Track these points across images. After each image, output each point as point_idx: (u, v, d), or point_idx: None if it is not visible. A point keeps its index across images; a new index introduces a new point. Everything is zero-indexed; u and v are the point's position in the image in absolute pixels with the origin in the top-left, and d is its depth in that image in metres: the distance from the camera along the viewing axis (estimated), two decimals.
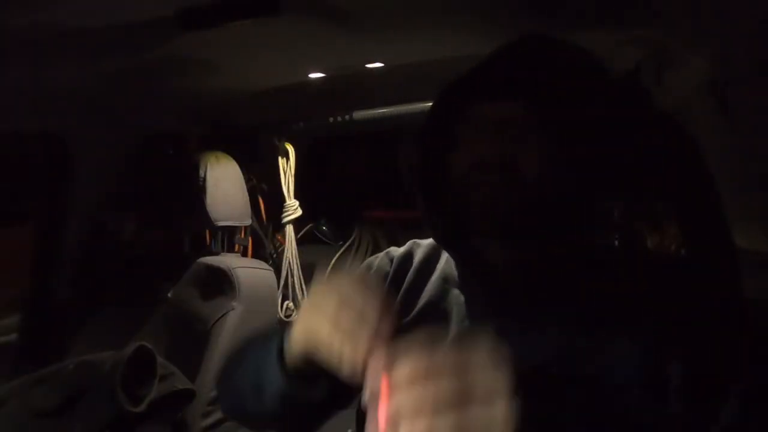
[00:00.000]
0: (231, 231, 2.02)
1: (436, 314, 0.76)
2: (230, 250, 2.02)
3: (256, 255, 2.14)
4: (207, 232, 2.06)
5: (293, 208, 2.09)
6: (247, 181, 2.00)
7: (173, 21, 0.99)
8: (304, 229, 2.29)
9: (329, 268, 2.06)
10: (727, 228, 0.95)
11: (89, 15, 0.95)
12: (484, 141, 0.70)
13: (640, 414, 0.59)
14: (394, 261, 0.87)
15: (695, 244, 0.98)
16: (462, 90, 0.75)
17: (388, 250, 0.90)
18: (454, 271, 0.79)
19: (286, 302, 2.07)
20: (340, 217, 2.38)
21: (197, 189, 1.84)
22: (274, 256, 2.22)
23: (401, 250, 0.88)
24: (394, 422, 0.46)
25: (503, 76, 0.71)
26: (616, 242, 0.74)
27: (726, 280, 0.87)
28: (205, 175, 1.85)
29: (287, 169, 2.09)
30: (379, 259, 0.90)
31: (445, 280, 0.79)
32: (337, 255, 2.20)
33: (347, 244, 2.24)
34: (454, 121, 0.75)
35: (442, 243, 0.80)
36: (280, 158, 2.10)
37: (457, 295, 0.76)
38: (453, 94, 0.76)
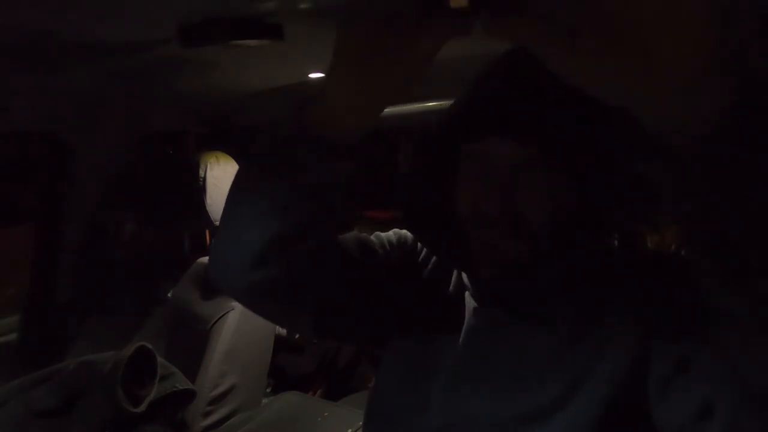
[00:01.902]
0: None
1: (455, 307, 0.75)
2: None
3: None
4: (207, 232, 2.06)
5: None
6: None
7: (174, 37, 0.98)
8: None
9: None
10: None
11: (90, 21, 0.95)
12: (484, 186, 0.66)
13: (628, 413, 0.59)
14: None
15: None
16: (458, 127, 0.69)
17: None
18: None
19: None
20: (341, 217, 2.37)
21: (197, 189, 1.84)
22: None
23: None
24: None
25: (500, 112, 0.65)
26: (616, 242, 0.73)
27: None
28: (205, 175, 1.85)
29: None
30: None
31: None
32: None
33: None
34: (451, 159, 0.71)
35: (445, 262, 0.80)
36: None
37: (468, 297, 0.76)
38: (448, 130, 0.71)
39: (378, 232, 0.87)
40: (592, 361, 0.62)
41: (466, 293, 0.75)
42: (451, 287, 0.79)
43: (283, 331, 2.22)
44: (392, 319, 0.79)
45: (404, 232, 0.87)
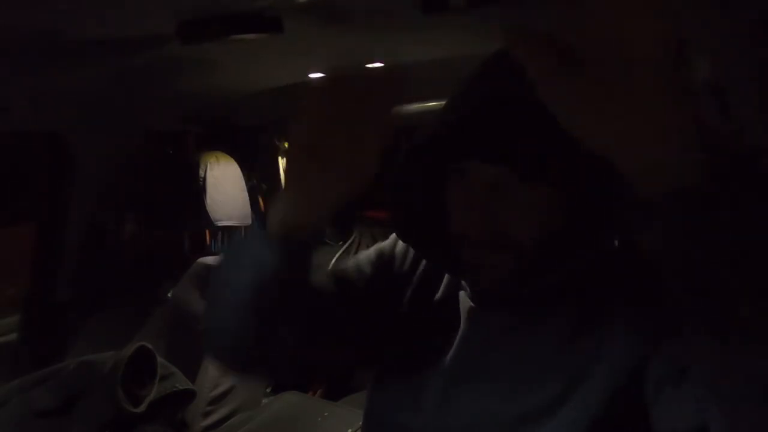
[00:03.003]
0: (231, 231, 2.02)
1: (448, 309, 0.75)
2: None
3: None
4: (207, 232, 2.07)
5: None
6: (247, 181, 2.01)
7: (174, 34, 0.98)
8: None
9: (329, 269, 2.07)
10: None
11: (90, 17, 0.95)
12: (465, 206, 0.66)
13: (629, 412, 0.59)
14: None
15: None
16: (444, 148, 0.68)
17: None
18: None
19: None
20: (340, 217, 2.38)
21: (197, 189, 1.84)
22: None
23: None
24: None
25: (471, 137, 0.64)
26: (616, 243, 0.72)
27: None
28: (205, 175, 1.85)
29: None
30: (390, 241, 0.86)
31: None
32: (337, 255, 2.20)
33: (347, 244, 2.25)
34: (439, 173, 0.70)
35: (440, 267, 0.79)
36: (280, 158, 2.10)
37: (463, 297, 0.75)
38: (435, 150, 0.69)
39: (357, 256, 0.87)
40: (591, 361, 0.62)
41: (461, 293, 0.75)
42: (442, 287, 0.78)
43: None
44: (382, 338, 0.79)
45: (384, 243, 0.87)
